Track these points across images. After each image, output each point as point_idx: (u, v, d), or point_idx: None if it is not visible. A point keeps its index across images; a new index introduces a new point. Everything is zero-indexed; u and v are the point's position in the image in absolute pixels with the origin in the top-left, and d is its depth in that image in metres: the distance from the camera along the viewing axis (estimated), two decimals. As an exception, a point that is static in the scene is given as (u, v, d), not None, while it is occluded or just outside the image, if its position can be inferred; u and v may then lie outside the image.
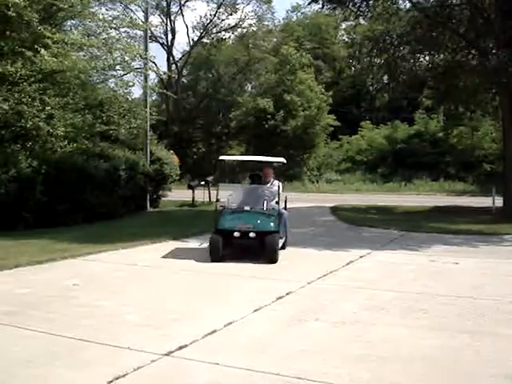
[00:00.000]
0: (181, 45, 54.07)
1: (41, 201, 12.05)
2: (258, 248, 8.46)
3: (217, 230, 8.65)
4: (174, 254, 9.10)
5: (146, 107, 17.57)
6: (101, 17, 15.18)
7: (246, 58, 38.48)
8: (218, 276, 7.48)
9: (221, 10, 37.70)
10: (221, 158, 11.27)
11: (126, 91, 16.12)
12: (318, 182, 32.52)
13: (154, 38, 36.73)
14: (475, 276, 7.66)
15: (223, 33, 39.61)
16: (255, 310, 5.60)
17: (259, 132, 33.80)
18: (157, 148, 19.16)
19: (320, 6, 19.02)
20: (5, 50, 12.85)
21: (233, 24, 38.63)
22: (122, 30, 16.53)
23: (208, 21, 38.20)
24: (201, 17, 47.27)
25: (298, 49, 36.66)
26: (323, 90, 35.41)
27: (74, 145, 14.24)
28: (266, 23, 39.68)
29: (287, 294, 6.32)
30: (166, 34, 38.80)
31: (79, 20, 15.33)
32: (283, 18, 48.80)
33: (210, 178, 20.39)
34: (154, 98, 33.55)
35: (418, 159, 31.72)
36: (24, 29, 12.99)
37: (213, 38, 39.33)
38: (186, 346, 4.46)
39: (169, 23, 38.67)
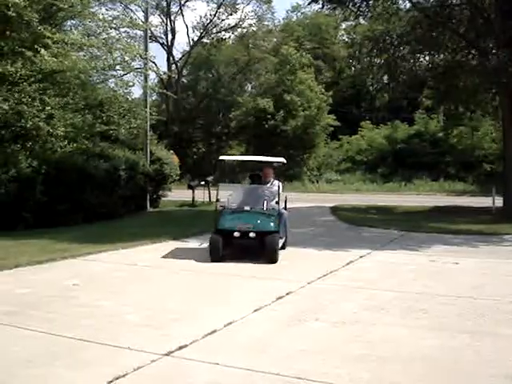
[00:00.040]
0: (181, 45, 54.38)
1: (41, 201, 12.05)
2: (258, 248, 8.45)
3: (217, 230, 8.64)
4: (174, 254, 9.10)
5: (146, 107, 17.57)
6: (101, 17, 15.19)
7: (246, 58, 38.48)
8: (218, 276, 7.48)
9: (221, 9, 37.77)
10: (221, 157, 11.26)
11: (126, 91, 16.15)
12: (317, 182, 32.52)
13: (154, 38, 36.75)
14: (475, 276, 7.66)
15: (223, 33, 39.70)
16: (255, 310, 5.59)
17: (259, 132, 33.80)
18: (157, 148, 19.16)
19: (320, 5, 19.03)
20: (5, 50, 12.85)
21: (233, 24, 38.73)
22: (122, 30, 16.56)
23: (208, 21, 38.28)
24: (201, 17, 47.44)
25: (298, 49, 36.67)
26: (323, 90, 35.42)
27: (74, 145, 14.24)
28: (266, 23, 39.76)
29: (287, 293, 6.32)
30: (166, 34, 38.90)
31: (79, 20, 15.34)
32: (283, 18, 48.93)
33: (210, 178, 20.39)
34: (153, 98, 33.55)
35: (418, 159, 31.72)
36: (24, 29, 12.99)
37: (213, 38, 39.34)
38: (186, 346, 4.46)
39: (169, 23, 38.77)
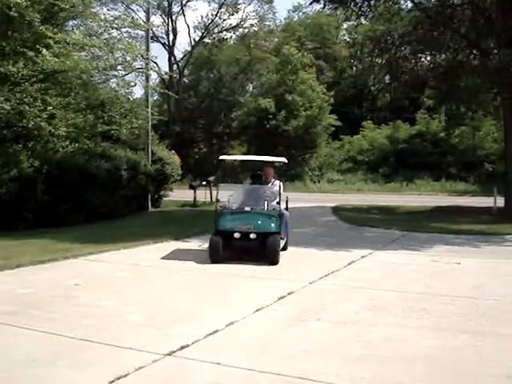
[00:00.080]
0: (182, 45, 54.15)
1: (42, 200, 12.06)
2: (259, 249, 8.32)
3: (217, 230, 8.49)
4: (176, 254, 9.09)
5: (148, 107, 17.58)
6: (102, 17, 15.17)
7: (247, 58, 38.47)
8: (219, 276, 7.47)
9: (222, 9, 37.76)
10: (221, 157, 11.06)
11: (127, 91, 16.14)
12: (319, 181, 32.51)
13: (156, 38, 36.77)
14: (477, 276, 7.65)
15: (225, 33, 39.72)
16: (257, 310, 5.59)
17: (261, 132, 33.81)
18: (158, 148, 19.16)
19: (321, 5, 19.06)
20: (7, 50, 12.85)
21: (234, 24, 38.74)
22: (123, 30, 16.61)
23: (209, 21, 38.29)
24: (202, 17, 47.42)
25: (299, 49, 36.70)
26: (325, 89, 35.41)
27: (76, 145, 14.26)
28: (267, 23, 39.74)
29: (289, 293, 6.32)
30: (168, 34, 38.92)
31: (81, 20, 15.33)
32: (285, 18, 48.96)
33: (211, 178, 20.37)
34: (155, 98, 33.64)
35: (419, 159, 31.69)
36: (26, 29, 12.98)
37: (214, 38, 39.36)
38: (187, 345, 4.46)
39: (170, 23, 38.80)
